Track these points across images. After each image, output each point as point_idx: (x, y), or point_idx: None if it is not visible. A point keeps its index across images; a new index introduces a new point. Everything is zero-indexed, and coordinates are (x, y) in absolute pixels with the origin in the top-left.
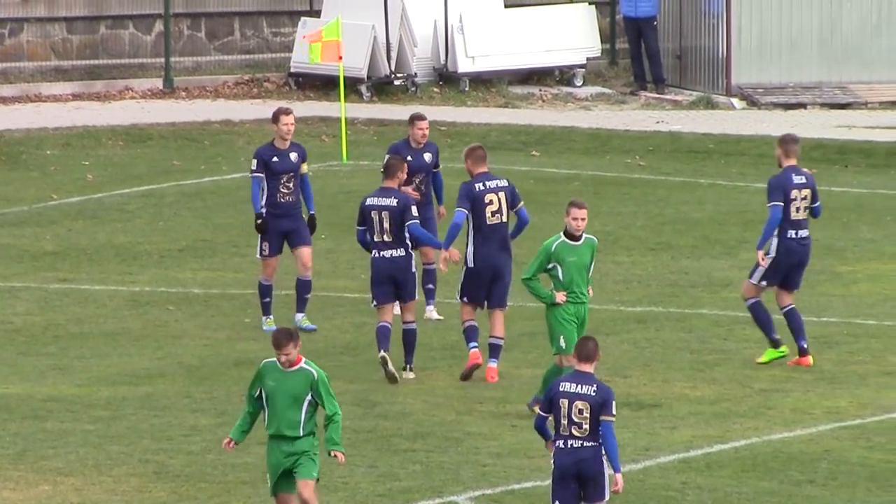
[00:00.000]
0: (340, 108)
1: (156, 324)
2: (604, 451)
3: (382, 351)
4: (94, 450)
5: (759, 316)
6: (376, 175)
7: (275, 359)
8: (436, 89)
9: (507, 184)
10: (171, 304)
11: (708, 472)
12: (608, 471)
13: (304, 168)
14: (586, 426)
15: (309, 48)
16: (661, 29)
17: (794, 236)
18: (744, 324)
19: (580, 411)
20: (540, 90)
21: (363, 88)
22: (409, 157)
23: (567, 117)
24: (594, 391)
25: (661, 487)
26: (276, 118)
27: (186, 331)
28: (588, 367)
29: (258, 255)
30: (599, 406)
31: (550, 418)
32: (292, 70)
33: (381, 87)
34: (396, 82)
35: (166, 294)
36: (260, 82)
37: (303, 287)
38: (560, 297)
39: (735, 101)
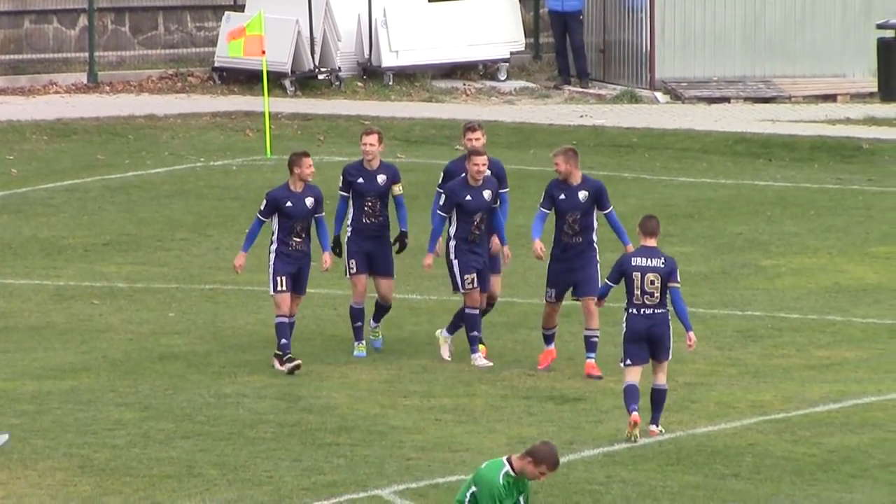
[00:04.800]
0: (264, 103)
1: (80, 318)
2: (675, 314)
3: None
4: (19, 444)
5: None
6: None
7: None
8: (360, 84)
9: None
10: (96, 298)
11: (632, 466)
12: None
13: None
14: (657, 294)
15: (228, 45)
16: (585, 23)
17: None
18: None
19: (652, 282)
20: (464, 84)
21: (287, 83)
22: (468, 197)
23: (491, 111)
24: (662, 263)
25: (586, 481)
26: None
27: (111, 325)
28: (653, 242)
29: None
30: (668, 275)
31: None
32: (216, 64)
33: (305, 82)
34: (320, 77)
35: (91, 288)
36: (184, 77)
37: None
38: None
39: (659, 95)
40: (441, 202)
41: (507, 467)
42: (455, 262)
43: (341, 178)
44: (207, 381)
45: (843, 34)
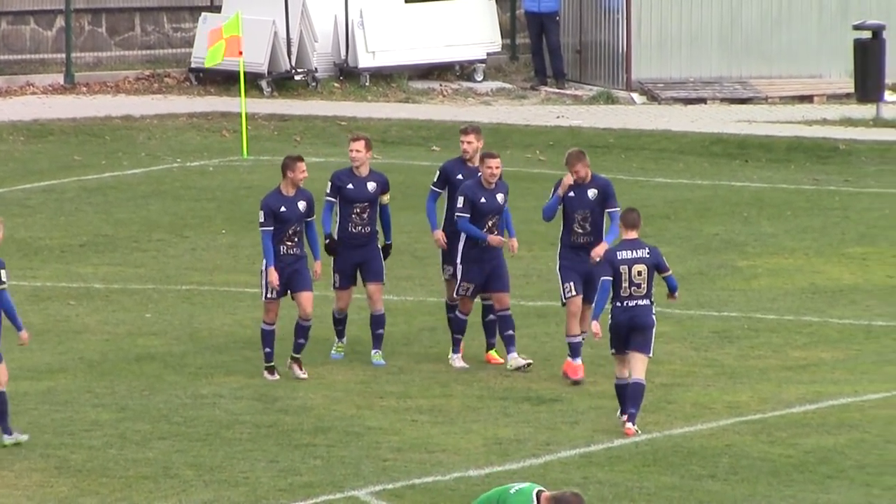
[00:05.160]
0: (241, 104)
1: (57, 319)
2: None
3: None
4: None
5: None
6: (277, 170)
7: None
8: (336, 84)
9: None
10: (72, 299)
11: (609, 467)
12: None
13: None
14: (644, 285)
15: (208, 52)
16: (561, 23)
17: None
18: None
19: (639, 273)
20: (440, 85)
21: (263, 84)
22: (482, 199)
23: (467, 112)
24: (647, 253)
25: (562, 482)
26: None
27: (87, 326)
28: (634, 234)
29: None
30: (655, 265)
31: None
32: (193, 65)
33: (282, 83)
34: (297, 77)
35: (67, 289)
36: (160, 77)
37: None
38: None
39: (635, 95)
40: (459, 204)
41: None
42: (459, 268)
43: (329, 183)
44: (184, 381)
45: (819, 35)
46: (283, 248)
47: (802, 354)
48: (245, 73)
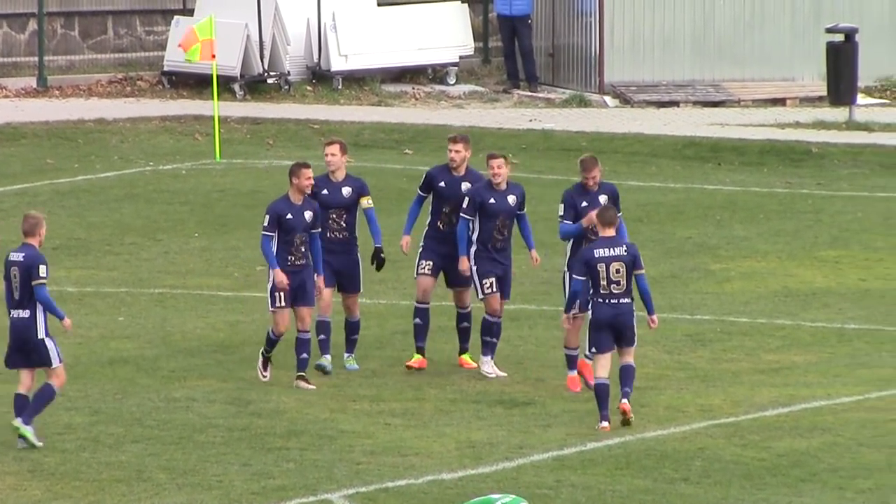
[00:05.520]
0: (213, 107)
1: None
2: (640, 297)
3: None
4: None
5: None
6: (249, 173)
7: None
8: (309, 88)
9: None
10: None
11: (582, 470)
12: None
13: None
14: (623, 282)
15: (187, 52)
16: (534, 27)
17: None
18: None
19: (617, 270)
20: (413, 88)
21: (236, 87)
22: (491, 200)
23: (440, 115)
24: (625, 250)
25: (535, 485)
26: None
27: (60, 329)
28: (611, 231)
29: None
30: (632, 262)
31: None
32: (165, 69)
33: (255, 86)
34: (269, 81)
35: None
36: (133, 81)
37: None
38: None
39: (608, 99)
40: (465, 205)
41: None
42: (474, 268)
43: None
44: (157, 385)
45: (792, 38)
46: (290, 259)
47: (775, 358)
48: (218, 77)
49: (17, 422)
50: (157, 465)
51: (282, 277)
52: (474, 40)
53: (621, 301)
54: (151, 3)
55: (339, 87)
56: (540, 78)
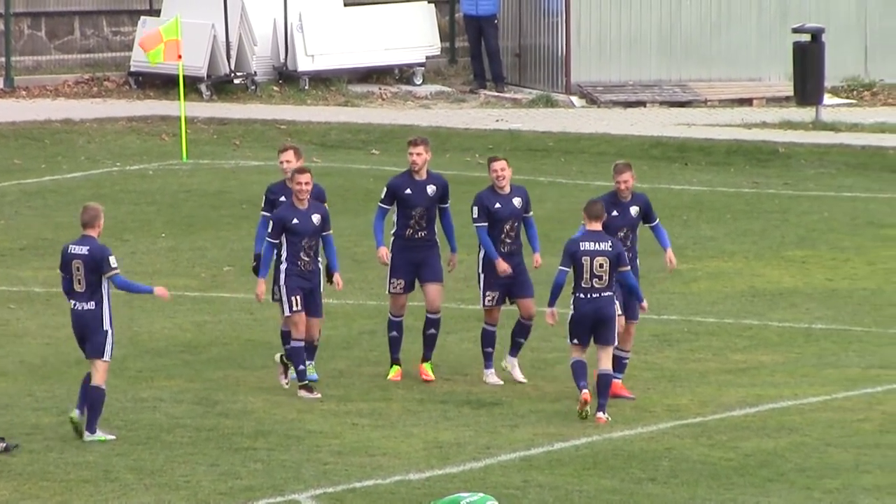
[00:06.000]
0: (180, 107)
1: None
2: (629, 290)
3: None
4: None
5: None
6: (216, 174)
7: None
8: (276, 88)
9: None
10: (13, 302)
11: (549, 470)
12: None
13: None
14: (606, 277)
15: (148, 54)
16: (500, 27)
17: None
18: None
19: (601, 265)
20: (380, 89)
21: (203, 87)
22: (497, 205)
23: (407, 116)
24: (610, 246)
25: (503, 486)
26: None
27: (28, 329)
28: (598, 226)
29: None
30: (616, 258)
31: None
32: (132, 69)
33: (221, 86)
34: (236, 81)
35: (7, 293)
36: (100, 81)
37: (308, 350)
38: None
39: (574, 99)
40: (475, 214)
41: None
42: (481, 277)
43: (263, 197)
44: (124, 385)
45: (758, 38)
46: (300, 263)
47: (742, 358)
48: (184, 77)
49: (86, 435)
50: (125, 465)
51: (261, 289)
52: (441, 40)
53: (603, 294)
54: (118, 3)
55: (306, 87)
56: (507, 78)
